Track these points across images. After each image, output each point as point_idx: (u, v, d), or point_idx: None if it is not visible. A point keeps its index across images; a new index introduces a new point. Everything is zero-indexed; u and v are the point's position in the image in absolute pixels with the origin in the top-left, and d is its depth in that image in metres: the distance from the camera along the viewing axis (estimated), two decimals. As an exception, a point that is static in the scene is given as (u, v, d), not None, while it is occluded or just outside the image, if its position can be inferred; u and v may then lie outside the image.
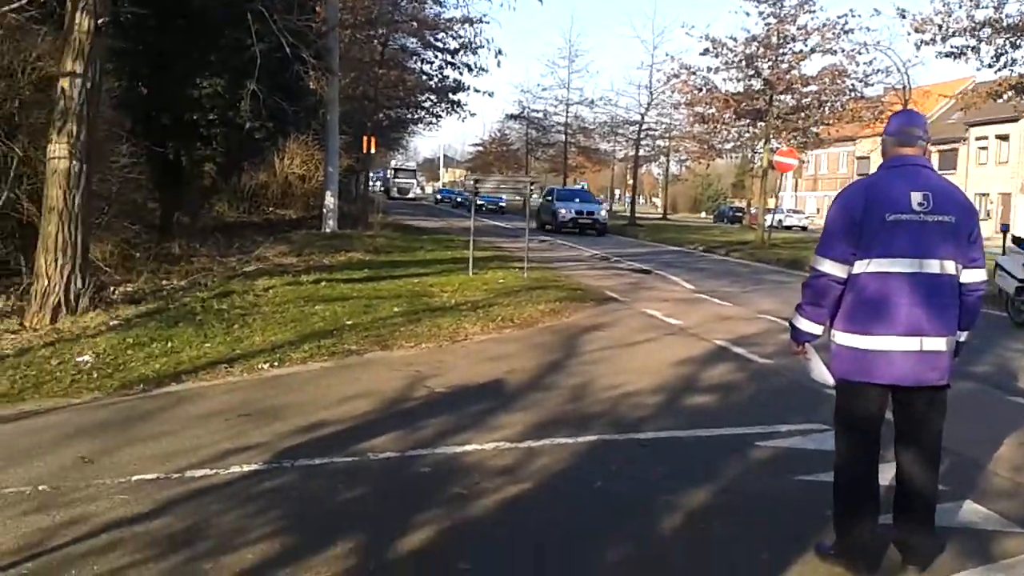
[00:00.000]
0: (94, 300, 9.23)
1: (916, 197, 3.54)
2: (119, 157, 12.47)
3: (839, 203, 3.71)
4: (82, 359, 7.47)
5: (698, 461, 5.26)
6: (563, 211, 31.77)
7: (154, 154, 15.40)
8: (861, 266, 3.58)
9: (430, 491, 4.61)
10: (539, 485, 4.72)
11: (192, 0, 14.91)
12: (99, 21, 9.00)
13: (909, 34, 21.34)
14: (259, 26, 14.15)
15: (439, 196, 72.74)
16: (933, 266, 3.52)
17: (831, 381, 3.79)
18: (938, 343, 3.54)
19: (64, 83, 8.95)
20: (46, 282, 8.82)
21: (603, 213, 33.73)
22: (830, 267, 3.64)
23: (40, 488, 4.47)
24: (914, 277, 3.52)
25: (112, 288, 10.40)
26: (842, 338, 3.67)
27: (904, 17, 21.09)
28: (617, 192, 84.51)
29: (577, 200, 34.06)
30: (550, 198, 34.14)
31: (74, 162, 8.90)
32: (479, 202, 18.29)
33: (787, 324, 3.82)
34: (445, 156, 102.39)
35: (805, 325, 3.77)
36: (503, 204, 47.62)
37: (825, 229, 3.73)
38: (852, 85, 28.19)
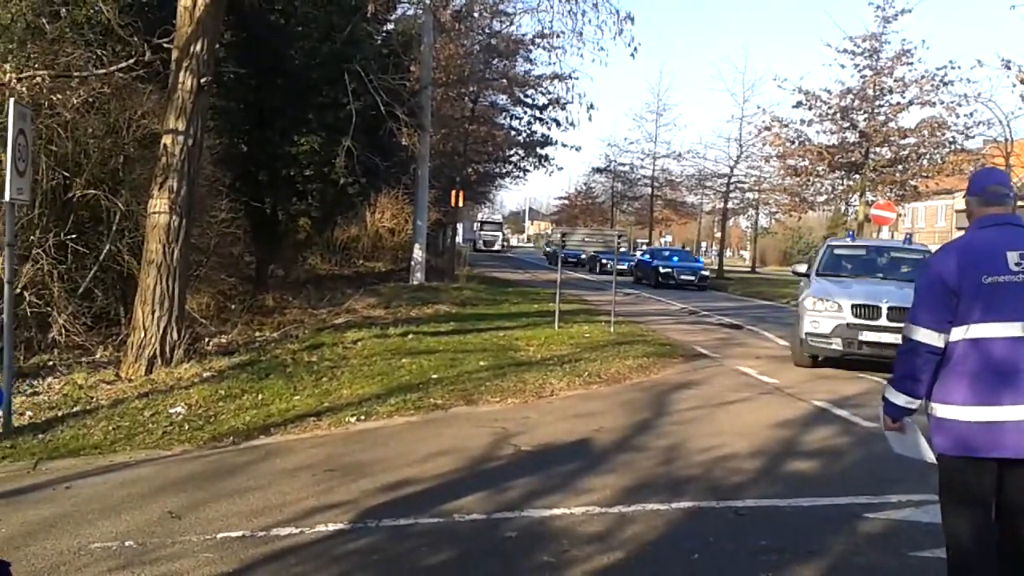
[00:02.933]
0: (189, 351, 9.44)
1: (1012, 257, 3.30)
2: (218, 212, 12.88)
3: (931, 268, 3.46)
4: (175, 411, 7.59)
5: (801, 534, 4.94)
6: (664, 268, 32.54)
7: (252, 208, 15.90)
8: (959, 333, 3.32)
9: (517, 558, 4.44)
10: (632, 555, 4.49)
11: (292, 60, 15.45)
12: (202, 80, 9.35)
13: (1015, 85, 20.57)
14: (355, 85, 14.57)
15: (549, 250, 66.11)
16: None
17: (932, 458, 3.49)
18: None
19: (167, 140, 9.30)
20: (143, 333, 9.06)
21: (705, 271, 34.42)
22: (926, 336, 3.38)
23: (127, 544, 4.48)
24: (1018, 342, 3.25)
25: (207, 339, 10.64)
26: (943, 411, 3.38)
27: (1009, 68, 20.36)
28: (704, 245, 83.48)
29: (676, 259, 34.69)
30: (648, 256, 35.16)
31: (174, 216, 9.19)
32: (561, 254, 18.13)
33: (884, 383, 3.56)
34: (530, 209, 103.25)
35: (901, 400, 3.49)
36: (583, 257, 47.45)
37: (917, 296, 3.48)
38: (952, 137, 27.29)
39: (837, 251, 13.24)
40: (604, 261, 40.00)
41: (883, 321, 10.70)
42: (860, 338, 10.82)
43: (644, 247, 46.93)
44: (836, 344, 11.02)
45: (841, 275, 12.42)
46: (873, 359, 10.86)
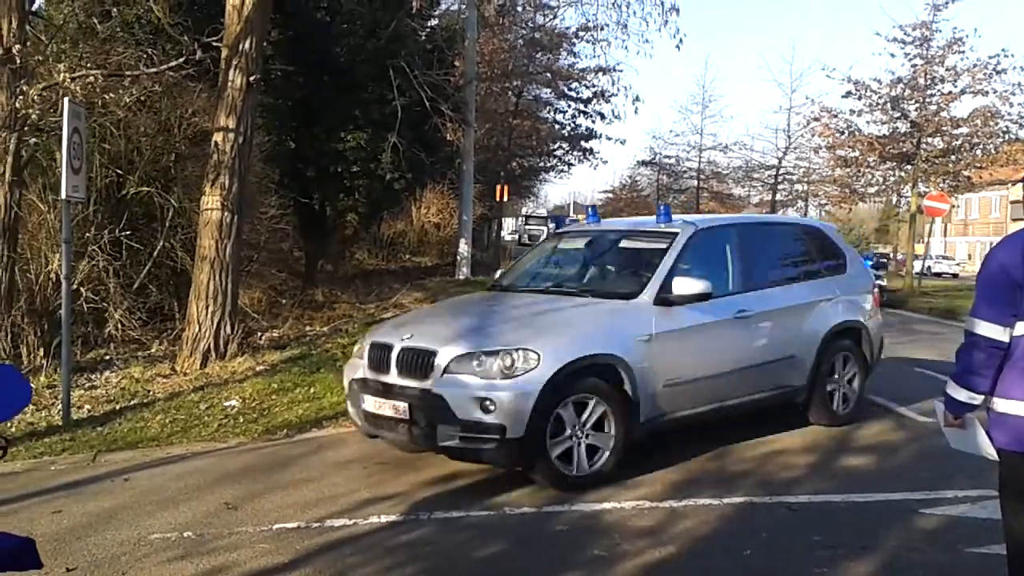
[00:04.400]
0: (242, 346, 9.59)
1: None
2: (268, 208, 13.05)
3: (994, 259, 3.36)
4: (229, 404, 7.73)
5: (855, 530, 4.86)
6: None
7: (300, 205, 16.07)
8: (1023, 327, 3.23)
9: (568, 551, 4.44)
10: (683, 551, 4.47)
11: (338, 57, 15.56)
12: (251, 78, 9.47)
13: (1072, 73, 19.93)
14: (400, 81, 14.63)
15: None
16: None
17: (993, 454, 3.40)
18: None
19: (218, 137, 9.44)
20: (197, 328, 9.22)
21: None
22: (989, 330, 3.28)
23: (185, 535, 4.58)
24: None
25: (259, 334, 10.80)
26: (1004, 405, 3.29)
27: (1067, 53, 19.70)
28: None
29: None
30: None
31: (226, 213, 9.33)
32: None
33: (946, 379, 3.47)
34: (575, 203, 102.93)
35: (964, 395, 3.38)
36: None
37: (979, 288, 3.38)
38: (1006, 127, 26.59)
39: (557, 245, 8.17)
40: None
41: (391, 376, 5.71)
42: (363, 406, 5.89)
43: None
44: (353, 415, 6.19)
45: (527, 286, 7.34)
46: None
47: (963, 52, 26.12)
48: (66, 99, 7.29)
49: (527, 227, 72.34)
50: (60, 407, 7.20)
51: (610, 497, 5.29)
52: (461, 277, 22.07)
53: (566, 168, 39.80)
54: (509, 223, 67.34)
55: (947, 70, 26.36)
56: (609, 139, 53.23)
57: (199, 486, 5.50)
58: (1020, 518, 3.33)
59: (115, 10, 11.34)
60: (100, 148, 10.02)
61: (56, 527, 4.72)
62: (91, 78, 8.35)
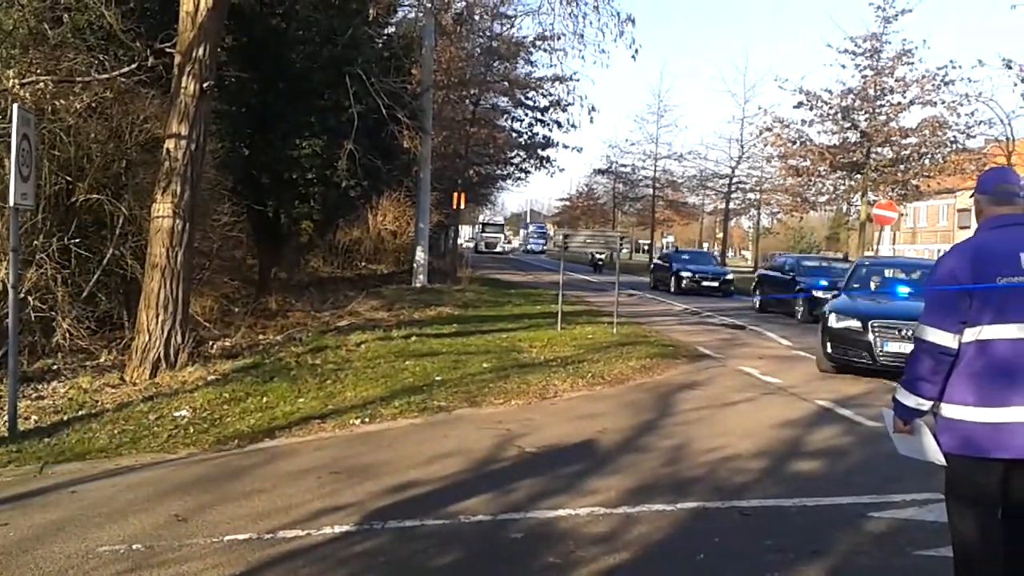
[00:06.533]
0: (193, 355, 9.45)
1: None
2: (221, 215, 12.89)
3: (944, 267, 3.44)
4: (179, 414, 7.61)
5: (806, 534, 4.95)
6: (685, 272, 29.22)
7: (254, 212, 15.93)
8: (972, 334, 3.31)
9: (523, 559, 4.45)
10: (637, 556, 4.50)
11: (293, 64, 15.47)
12: (204, 85, 9.37)
13: (1015, 85, 20.58)
14: (357, 88, 14.60)
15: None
16: None
17: (941, 459, 3.48)
18: None
19: (170, 144, 9.32)
20: (147, 337, 9.07)
21: (729, 275, 30.56)
22: (940, 337, 3.36)
23: (134, 547, 4.49)
24: None
25: (210, 343, 10.66)
26: (953, 411, 3.37)
27: (1010, 68, 20.38)
28: (706, 245, 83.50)
29: (696, 263, 31.41)
30: (666, 261, 31.78)
31: (177, 220, 9.20)
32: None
33: (895, 384, 3.54)
34: (532, 211, 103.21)
35: (912, 401, 3.46)
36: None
37: (928, 296, 3.47)
38: (953, 137, 27.32)
39: None
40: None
41: None
42: None
43: (670, 247, 45.48)
44: None
45: None
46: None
47: (912, 63, 26.85)
48: (15, 105, 7.13)
49: (484, 235, 72.61)
50: (6, 418, 7.02)
51: (564, 504, 5.31)
52: (418, 285, 22.03)
53: (523, 176, 39.96)
54: (466, 231, 67.31)
55: (896, 81, 27.01)
56: (566, 147, 53.73)
57: (148, 498, 5.40)
58: (966, 521, 3.41)
59: (66, 16, 11.12)
60: (49, 155, 9.80)
61: (2, 540, 4.60)
62: (41, 84, 8.22)
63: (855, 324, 10.94)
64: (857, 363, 10.80)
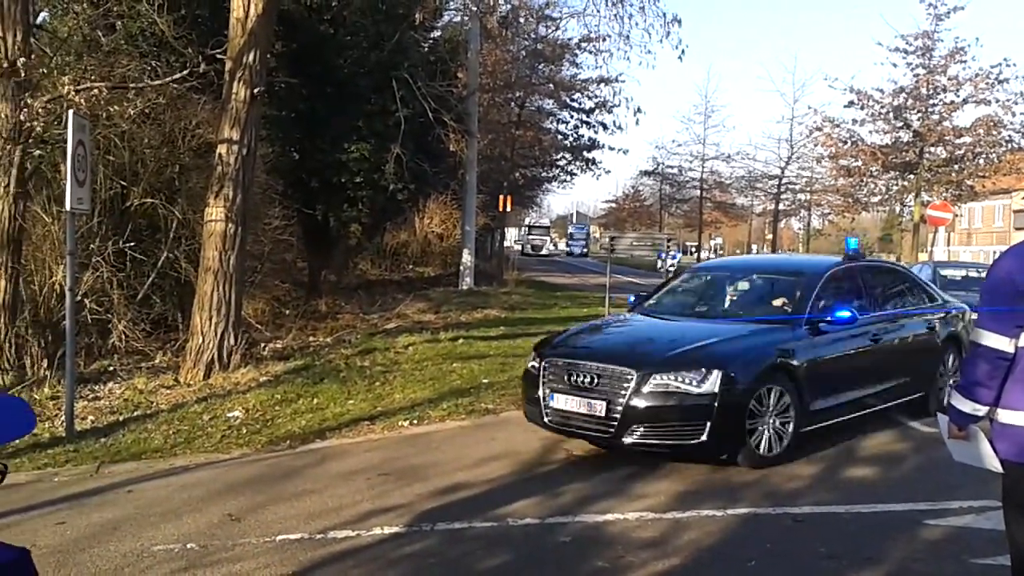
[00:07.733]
0: (245, 356, 9.59)
1: None
2: (272, 219, 13.10)
3: (999, 270, 3.34)
4: (232, 415, 7.73)
5: (860, 541, 4.85)
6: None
7: (304, 216, 16.11)
8: None
9: (572, 563, 4.43)
10: (687, 562, 4.46)
11: (341, 69, 15.62)
12: (255, 90, 9.51)
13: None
14: (404, 92, 14.69)
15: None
16: None
17: (997, 466, 3.38)
18: None
19: (222, 149, 9.47)
20: (201, 339, 9.23)
21: None
22: (995, 341, 3.26)
23: (188, 546, 4.57)
24: None
25: (262, 344, 10.81)
26: (1009, 416, 3.27)
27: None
28: (755, 247, 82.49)
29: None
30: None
31: (230, 224, 9.35)
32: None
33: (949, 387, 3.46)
34: (578, 213, 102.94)
35: (968, 406, 3.36)
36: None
37: (984, 299, 3.36)
38: (1008, 136, 26.67)
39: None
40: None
41: None
42: None
43: (717, 250, 43.57)
44: None
45: None
46: None
47: (965, 62, 26.27)
48: (70, 111, 7.33)
49: (530, 237, 72.59)
50: (64, 418, 7.20)
51: (613, 508, 5.28)
52: (464, 287, 22.09)
53: (569, 178, 39.89)
54: (512, 233, 67.42)
55: (949, 79, 26.46)
56: (612, 149, 53.54)
57: (202, 497, 5.50)
58: (1023, 528, 3.32)
59: (119, 23, 11.41)
60: (104, 160, 10.05)
61: (59, 539, 4.71)
62: (95, 90, 8.40)
63: (533, 364, 7.00)
64: (538, 422, 6.79)
